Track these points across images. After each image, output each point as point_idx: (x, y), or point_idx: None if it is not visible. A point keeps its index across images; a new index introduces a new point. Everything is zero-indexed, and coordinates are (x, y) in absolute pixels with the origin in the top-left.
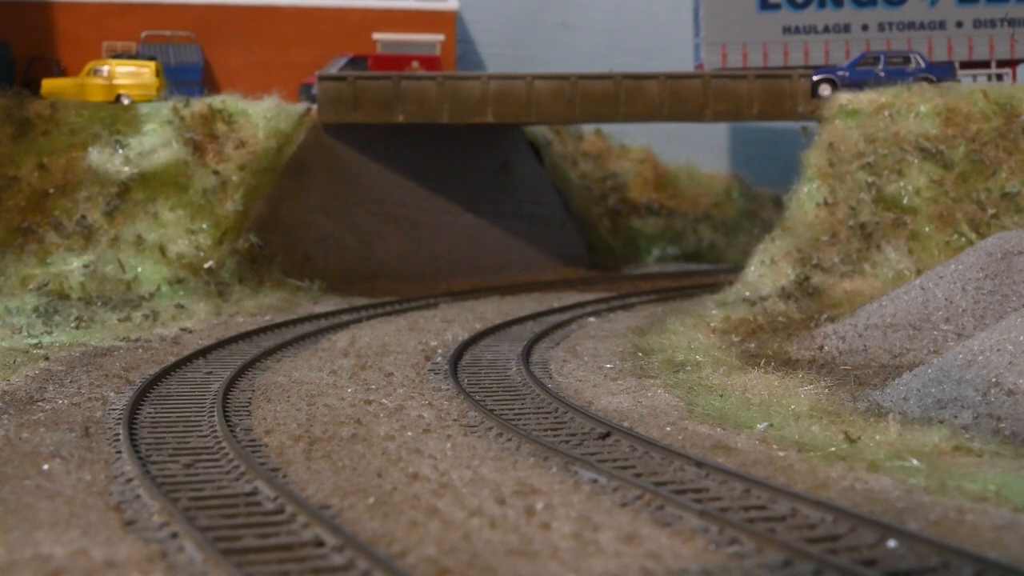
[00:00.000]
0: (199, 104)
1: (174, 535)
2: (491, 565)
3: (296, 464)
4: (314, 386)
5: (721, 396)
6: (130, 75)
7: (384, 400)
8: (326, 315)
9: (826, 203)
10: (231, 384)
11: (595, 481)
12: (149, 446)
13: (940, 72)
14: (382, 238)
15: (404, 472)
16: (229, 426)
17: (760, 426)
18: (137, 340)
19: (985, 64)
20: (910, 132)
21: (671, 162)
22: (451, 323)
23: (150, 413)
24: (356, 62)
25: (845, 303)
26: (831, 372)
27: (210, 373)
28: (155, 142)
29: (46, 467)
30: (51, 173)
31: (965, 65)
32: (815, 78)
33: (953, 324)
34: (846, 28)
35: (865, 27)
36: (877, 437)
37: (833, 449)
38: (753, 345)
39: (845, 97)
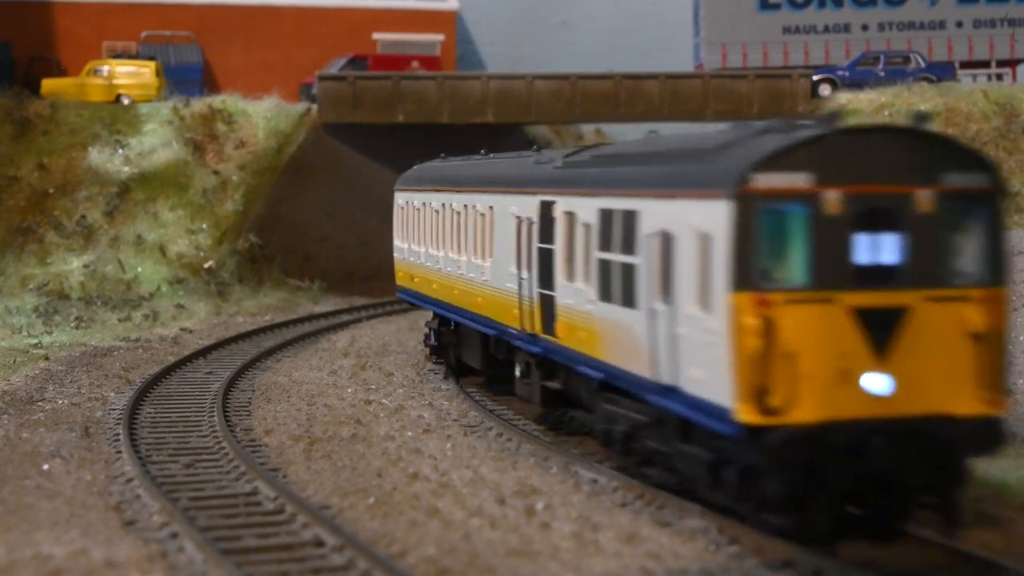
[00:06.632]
0: (199, 104)
1: (174, 535)
2: (491, 565)
3: (296, 464)
4: (314, 386)
5: None
6: (130, 75)
7: (384, 400)
8: (326, 315)
9: None
10: (231, 384)
11: (595, 481)
12: (149, 446)
13: (940, 72)
14: (382, 238)
15: (404, 472)
16: (229, 426)
17: None
18: (137, 340)
19: (985, 64)
20: None
21: None
22: None
23: (150, 413)
24: (356, 62)
25: None
26: None
27: (210, 373)
28: (155, 142)
29: (46, 467)
30: (51, 173)
31: (965, 65)
32: (815, 78)
33: None
34: (846, 28)
35: (865, 27)
36: None
37: None
38: None
39: (845, 97)
